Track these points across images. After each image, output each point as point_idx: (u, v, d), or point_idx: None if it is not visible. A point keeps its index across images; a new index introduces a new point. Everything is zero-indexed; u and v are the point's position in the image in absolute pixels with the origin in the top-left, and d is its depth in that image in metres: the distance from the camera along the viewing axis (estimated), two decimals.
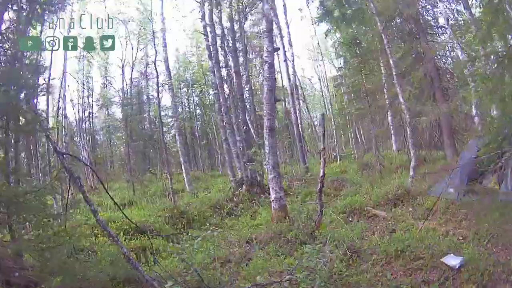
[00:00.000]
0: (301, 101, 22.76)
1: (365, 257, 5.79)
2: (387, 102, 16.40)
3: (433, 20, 12.93)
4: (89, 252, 6.59)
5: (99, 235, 7.71)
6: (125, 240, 7.63)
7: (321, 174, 7.44)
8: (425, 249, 5.62)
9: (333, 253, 5.73)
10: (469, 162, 8.08)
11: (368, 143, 26.77)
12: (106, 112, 27.03)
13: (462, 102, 11.57)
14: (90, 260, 5.99)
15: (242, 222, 9.81)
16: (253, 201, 11.93)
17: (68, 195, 5.17)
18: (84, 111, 25.35)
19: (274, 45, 9.15)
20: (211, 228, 6.86)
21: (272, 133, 8.36)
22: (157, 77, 15.60)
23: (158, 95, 15.48)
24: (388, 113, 17.17)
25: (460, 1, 10.97)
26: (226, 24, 15.77)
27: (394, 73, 10.61)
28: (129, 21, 20.62)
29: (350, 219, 8.76)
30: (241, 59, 16.13)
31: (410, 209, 8.57)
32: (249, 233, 8.05)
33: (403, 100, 10.41)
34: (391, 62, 10.75)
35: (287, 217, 8.25)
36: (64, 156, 4.95)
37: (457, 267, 4.97)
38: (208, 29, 14.53)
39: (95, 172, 12.80)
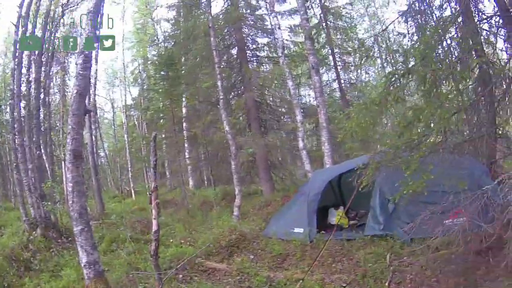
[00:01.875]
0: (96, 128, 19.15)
1: None
2: (185, 133, 15.31)
3: (258, 50, 12.86)
4: None
5: None
6: None
7: (155, 227, 4.80)
8: None
9: None
10: (315, 198, 7.49)
11: (162, 177, 24.97)
12: None
13: (282, 135, 11.67)
14: None
15: (45, 282, 7.09)
16: (52, 249, 9.19)
17: None
18: None
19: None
20: None
21: (78, 161, 5.06)
22: None
23: None
24: (185, 144, 16.11)
25: (302, 33, 11.25)
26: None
27: (221, 97, 9.40)
28: None
29: (182, 277, 6.51)
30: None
31: (252, 257, 7.12)
32: None
33: (229, 129, 9.28)
34: (218, 84, 9.50)
35: None
36: None
37: None
38: (22, 22, 9.94)
39: None
